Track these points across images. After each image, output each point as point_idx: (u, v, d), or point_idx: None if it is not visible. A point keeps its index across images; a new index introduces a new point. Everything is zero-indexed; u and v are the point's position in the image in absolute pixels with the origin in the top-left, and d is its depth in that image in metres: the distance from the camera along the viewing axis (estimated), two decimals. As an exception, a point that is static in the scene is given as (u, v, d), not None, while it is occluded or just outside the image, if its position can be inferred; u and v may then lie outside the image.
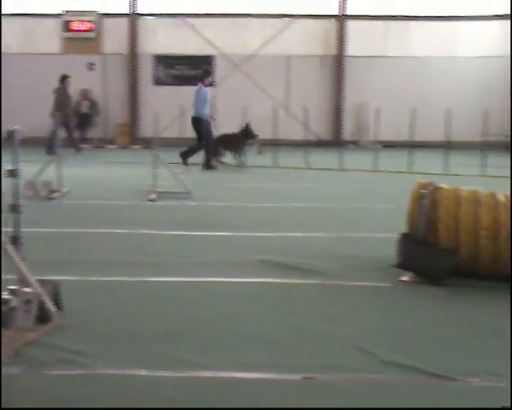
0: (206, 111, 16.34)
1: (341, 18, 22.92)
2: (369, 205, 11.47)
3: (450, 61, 23.01)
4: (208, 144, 16.19)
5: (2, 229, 5.31)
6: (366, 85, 22.90)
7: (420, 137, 19.11)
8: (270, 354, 4.83)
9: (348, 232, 9.13)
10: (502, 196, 7.03)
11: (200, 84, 16.37)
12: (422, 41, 23.09)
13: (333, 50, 23.23)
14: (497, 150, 19.14)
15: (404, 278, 6.85)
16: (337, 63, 23.14)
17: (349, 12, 22.88)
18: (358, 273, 7.08)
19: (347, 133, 23.22)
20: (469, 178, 14.22)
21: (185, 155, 16.51)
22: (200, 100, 16.15)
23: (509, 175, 15.03)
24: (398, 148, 19.52)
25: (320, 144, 22.03)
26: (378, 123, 17.30)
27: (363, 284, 6.75)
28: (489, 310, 6.12)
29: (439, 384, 4.43)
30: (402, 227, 7.18)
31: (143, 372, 4.43)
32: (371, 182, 14.70)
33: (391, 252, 7.18)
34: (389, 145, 20.83)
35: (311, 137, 21.34)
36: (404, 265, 6.96)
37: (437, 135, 19.26)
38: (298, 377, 4.46)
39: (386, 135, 20.54)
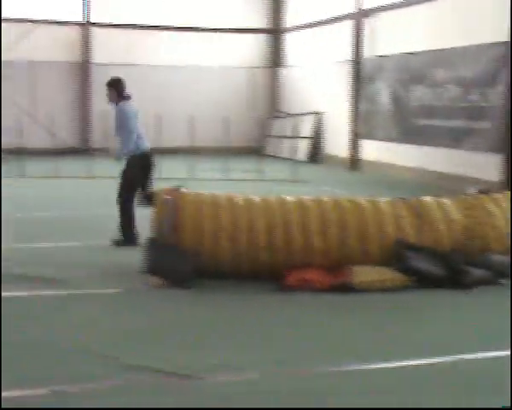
0: None
1: (86, 25, 22.79)
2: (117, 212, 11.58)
3: (193, 71, 23.85)
4: None
5: None
6: (113, 93, 22.99)
7: (167, 143, 19.60)
8: (13, 371, 4.76)
9: (95, 240, 9.19)
10: (240, 198, 7.55)
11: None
12: (166, 50, 23.67)
13: (79, 57, 23.02)
14: (237, 155, 20.22)
15: (151, 283, 7.10)
16: (83, 70, 22.97)
17: (93, 19, 22.81)
18: (105, 281, 7.19)
19: (96, 140, 23.13)
20: (214, 183, 14.90)
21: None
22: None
23: (258, 178, 16.07)
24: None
25: (68, 152, 21.73)
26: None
27: (109, 291, 6.87)
28: (232, 309, 6.54)
29: (184, 384, 4.65)
30: (149, 232, 7.42)
31: None
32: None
33: (138, 257, 7.39)
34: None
35: (59, 145, 20.96)
36: (150, 269, 7.20)
37: (183, 141, 19.86)
38: (44, 391, 4.46)
39: (135, 142, 20.77)
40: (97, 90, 22.99)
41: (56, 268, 7.56)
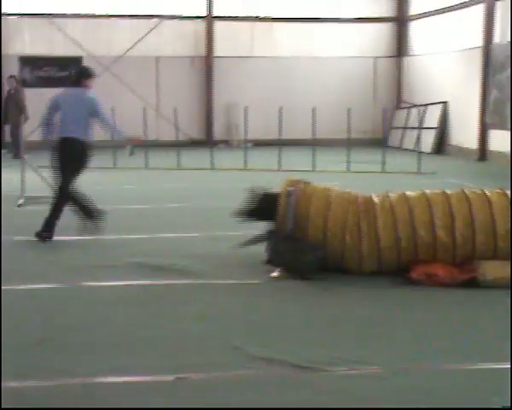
0: None
1: (209, 19, 23.12)
2: (240, 203, 11.65)
3: (314, 61, 23.72)
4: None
5: None
6: (235, 85, 23.21)
7: (287, 135, 19.56)
8: (140, 357, 4.88)
9: (219, 231, 9.27)
10: (376, 196, 7.32)
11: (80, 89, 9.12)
12: (287, 41, 23.68)
13: (202, 51, 23.39)
14: (359, 147, 19.89)
15: (274, 274, 7.06)
16: (206, 64, 23.33)
17: (216, 13, 23.11)
18: (228, 271, 7.23)
19: (218, 133, 23.46)
20: (336, 175, 14.74)
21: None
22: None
23: (381, 170, 15.79)
24: (268, 146, 19.91)
25: (192, 144, 22.12)
26: (247, 122, 17.60)
27: (233, 281, 6.91)
28: (354, 302, 6.44)
29: (306, 376, 4.63)
30: (271, 224, 7.39)
31: (11, 383, 4.38)
32: (242, 180, 14.91)
33: (261, 249, 7.38)
34: (259, 144, 21.20)
35: (183, 138, 21.38)
36: (273, 261, 7.18)
37: (303, 133, 19.78)
38: (169, 377, 4.53)
39: (256, 133, 20.89)
40: (220, 83, 23.34)
41: (181, 258, 7.68)
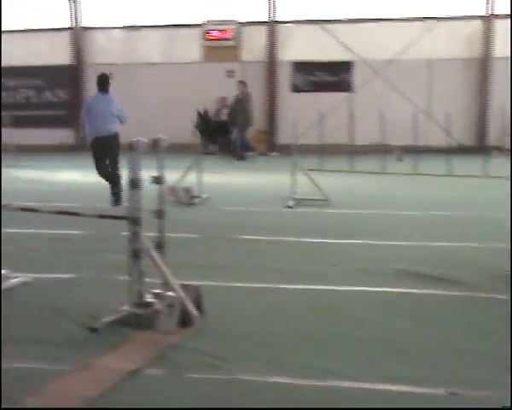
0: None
1: (489, 18, 22.10)
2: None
3: None
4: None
5: (148, 234, 5.44)
6: (513, 88, 22.02)
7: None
8: (412, 367, 4.68)
9: (493, 242, 8.73)
10: None
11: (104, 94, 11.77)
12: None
13: (478, 52, 22.46)
14: None
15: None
16: (482, 65, 22.34)
17: (496, 11, 22.02)
18: (505, 285, 6.74)
19: (492, 138, 22.35)
20: None
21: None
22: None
23: None
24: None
25: (462, 150, 21.32)
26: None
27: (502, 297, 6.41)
28: None
29: None
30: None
31: (283, 380, 4.40)
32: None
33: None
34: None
35: (453, 143, 20.69)
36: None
37: None
38: (441, 391, 4.29)
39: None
40: (497, 85, 22.19)
41: (452, 268, 7.34)
